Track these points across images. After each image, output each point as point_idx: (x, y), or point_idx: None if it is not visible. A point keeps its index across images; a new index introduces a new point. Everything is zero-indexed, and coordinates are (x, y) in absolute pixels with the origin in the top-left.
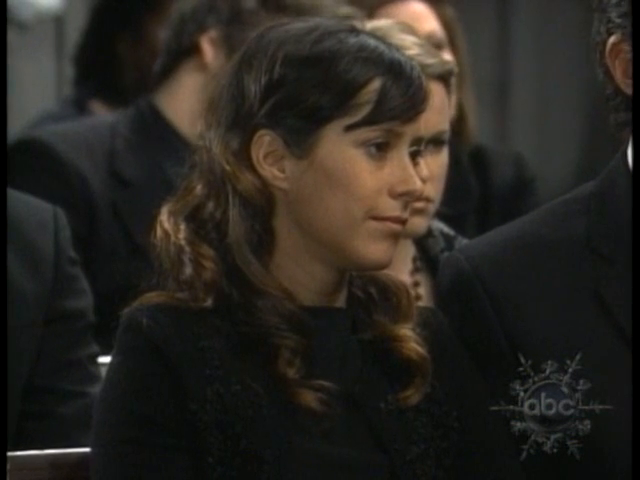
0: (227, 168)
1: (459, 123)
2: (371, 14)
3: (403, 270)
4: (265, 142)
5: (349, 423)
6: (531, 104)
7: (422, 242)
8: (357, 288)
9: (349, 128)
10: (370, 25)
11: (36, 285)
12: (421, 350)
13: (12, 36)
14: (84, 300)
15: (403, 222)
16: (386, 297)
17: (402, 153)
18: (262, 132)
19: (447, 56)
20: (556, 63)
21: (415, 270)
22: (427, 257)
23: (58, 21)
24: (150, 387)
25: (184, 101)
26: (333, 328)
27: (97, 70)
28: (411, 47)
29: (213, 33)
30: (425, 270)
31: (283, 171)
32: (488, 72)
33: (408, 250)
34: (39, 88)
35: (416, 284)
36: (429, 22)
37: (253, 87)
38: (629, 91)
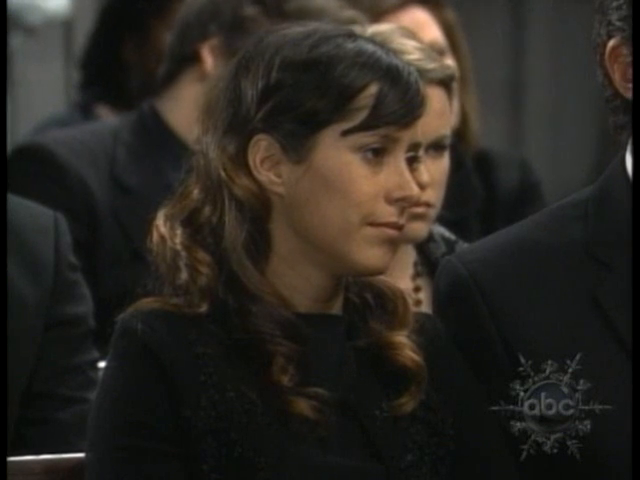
0: (223, 173)
1: (462, 127)
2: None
3: (404, 275)
4: (262, 147)
5: (344, 431)
6: (545, 104)
7: (423, 247)
8: (353, 294)
9: (346, 133)
10: (371, 29)
11: (36, 290)
12: (416, 357)
13: (20, 41)
14: (84, 306)
15: (400, 228)
16: (382, 303)
17: (399, 158)
18: (259, 137)
19: (449, 62)
20: (571, 63)
21: (416, 275)
22: (428, 262)
23: (66, 25)
24: (145, 393)
25: (185, 107)
26: (329, 335)
27: (103, 74)
28: (412, 52)
29: (214, 41)
30: (426, 275)
31: (280, 176)
32: (502, 72)
33: (409, 255)
34: (48, 92)
35: (417, 289)
36: (431, 30)
37: (250, 91)
38: (628, 94)
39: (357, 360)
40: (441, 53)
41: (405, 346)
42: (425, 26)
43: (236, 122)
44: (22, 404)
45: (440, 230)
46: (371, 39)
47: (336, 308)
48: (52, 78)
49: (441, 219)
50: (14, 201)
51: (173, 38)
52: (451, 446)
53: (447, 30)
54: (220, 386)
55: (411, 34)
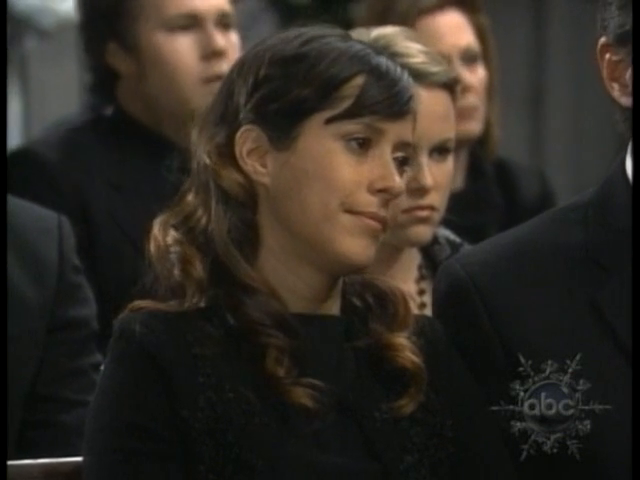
0: (208, 161)
1: (485, 135)
2: (409, 26)
3: (409, 278)
4: (250, 137)
5: (342, 431)
6: (566, 108)
7: (428, 250)
8: (353, 295)
9: (330, 120)
10: (375, 32)
11: (40, 293)
12: (416, 359)
13: (34, 43)
14: (88, 308)
15: (381, 220)
16: (383, 304)
17: (383, 151)
18: (247, 127)
19: (480, 69)
20: (592, 65)
21: (421, 278)
22: (433, 264)
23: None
24: (142, 395)
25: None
26: (325, 335)
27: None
28: (416, 55)
29: (111, 47)
30: (431, 278)
31: (265, 166)
32: (523, 76)
33: (414, 258)
34: (62, 94)
35: (421, 292)
36: (466, 35)
37: (242, 87)
38: (612, 93)
39: (356, 361)
40: (473, 59)
41: (405, 348)
42: (461, 30)
43: (226, 114)
44: (26, 407)
45: (445, 233)
46: (363, 41)
47: (333, 309)
48: (66, 80)
49: (459, 226)
50: (17, 203)
51: None
52: (450, 448)
53: (480, 35)
54: (218, 387)
55: (415, 37)
